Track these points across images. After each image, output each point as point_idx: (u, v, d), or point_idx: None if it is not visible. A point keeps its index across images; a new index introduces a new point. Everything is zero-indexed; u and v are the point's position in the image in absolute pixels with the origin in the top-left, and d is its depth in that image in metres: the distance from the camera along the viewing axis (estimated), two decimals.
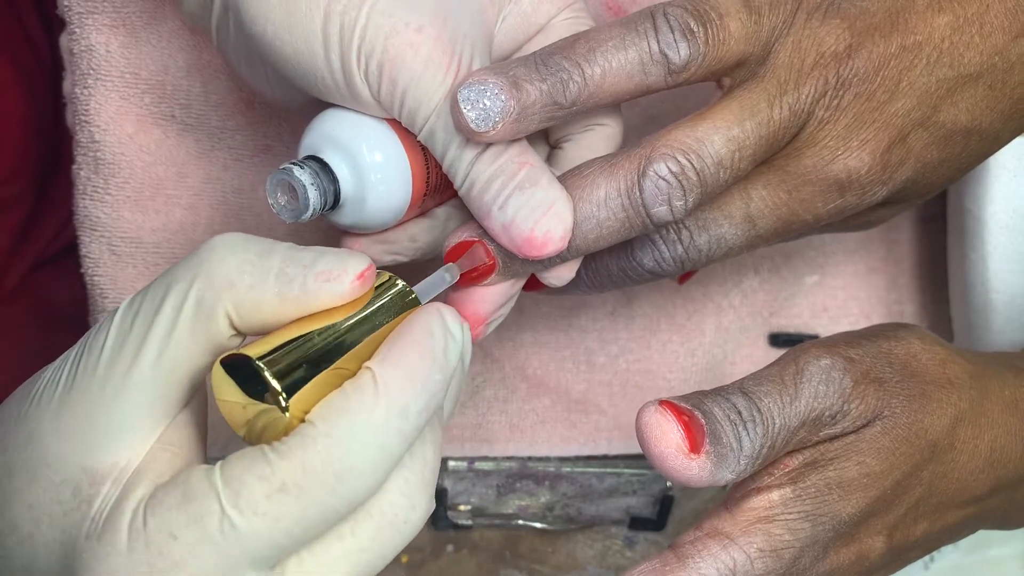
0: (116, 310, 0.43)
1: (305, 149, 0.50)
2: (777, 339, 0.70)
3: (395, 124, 0.50)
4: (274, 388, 0.41)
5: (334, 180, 0.48)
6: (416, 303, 0.45)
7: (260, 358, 0.41)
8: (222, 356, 0.42)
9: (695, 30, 0.48)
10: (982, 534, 0.58)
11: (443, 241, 0.53)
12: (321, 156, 0.49)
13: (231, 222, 0.64)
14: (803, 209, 0.51)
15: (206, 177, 0.64)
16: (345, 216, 0.50)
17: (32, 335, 0.79)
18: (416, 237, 0.53)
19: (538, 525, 0.70)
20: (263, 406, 0.41)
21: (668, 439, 0.47)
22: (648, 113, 0.65)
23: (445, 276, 0.49)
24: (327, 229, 0.64)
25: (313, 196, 0.48)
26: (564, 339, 0.69)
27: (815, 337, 0.70)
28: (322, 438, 0.40)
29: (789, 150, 0.51)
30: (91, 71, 0.62)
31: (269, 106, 0.63)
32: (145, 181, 0.63)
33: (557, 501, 0.70)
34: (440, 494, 0.68)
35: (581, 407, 0.69)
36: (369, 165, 0.49)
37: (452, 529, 0.70)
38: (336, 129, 0.49)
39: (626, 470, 0.69)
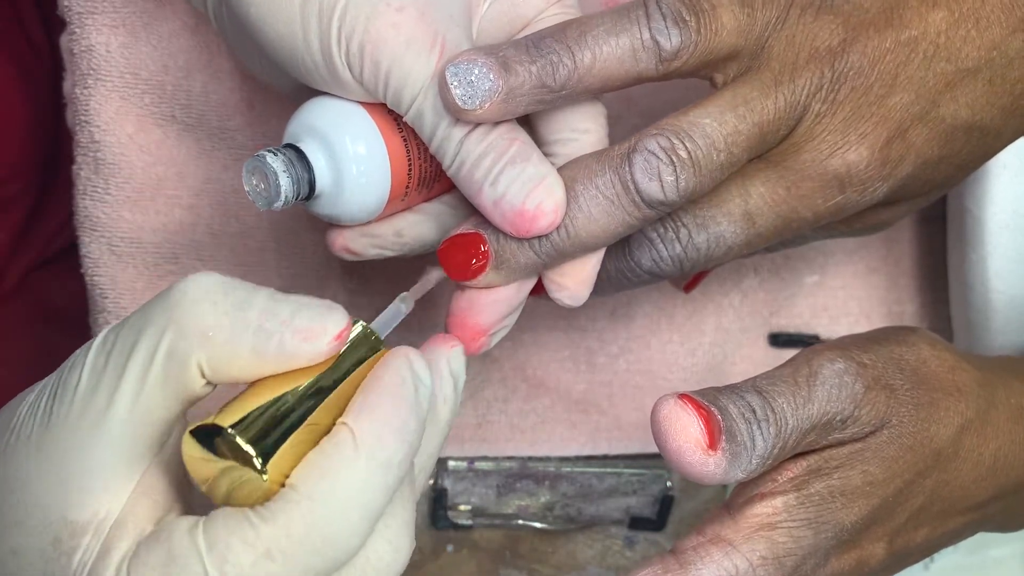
0: (90, 345, 0.42)
1: (286, 138, 0.50)
2: (777, 339, 0.70)
3: (376, 115, 0.49)
4: (249, 455, 0.40)
5: (309, 169, 0.48)
6: (379, 345, 0.45)
7: (235, 425, 0.41)
8: (191, 426, 0.41)
9: (687, 18, 0.48)
10: (982, 534, 0.58)
11: (430, 237, 0.53)
12: (299, 145, 0.49)
13: (231, 222, 0.64)
14: (803, 206, 0.51)
15: (206, 177, 0.64)
16: (323, 207, 0.50)
17: (31, 335, 0.79)
18: (402, 232, 0.53)
19: (538, 525, 0.70)
20: (228, 463, 0.41)
21: (688, 433, 0.46)
22: (648, 112, 0.65)
23: (400, 307, 0.48)
24: (323, 224, 0.64)
25: (285, 184, 0.47)
26: (564, 339, 0.69)
27: (815, 337, 0.70)
28: (305, 501, 0.40)
29: (787, 146, 0.51)
30: (91, 71, 0.62)
31: (269, 106, 0.63)
32: (145, 181, 0.63)
33: (557, 501, 0.70)
34: (440, 494, 0.68)
35: (581, 407, 0.69)
36: (346, 156, 0.48)
37: (452, 529, 0.70)
38: (316, 118, 0.49)
39: (626, 470, 0.69)
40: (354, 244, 0.52)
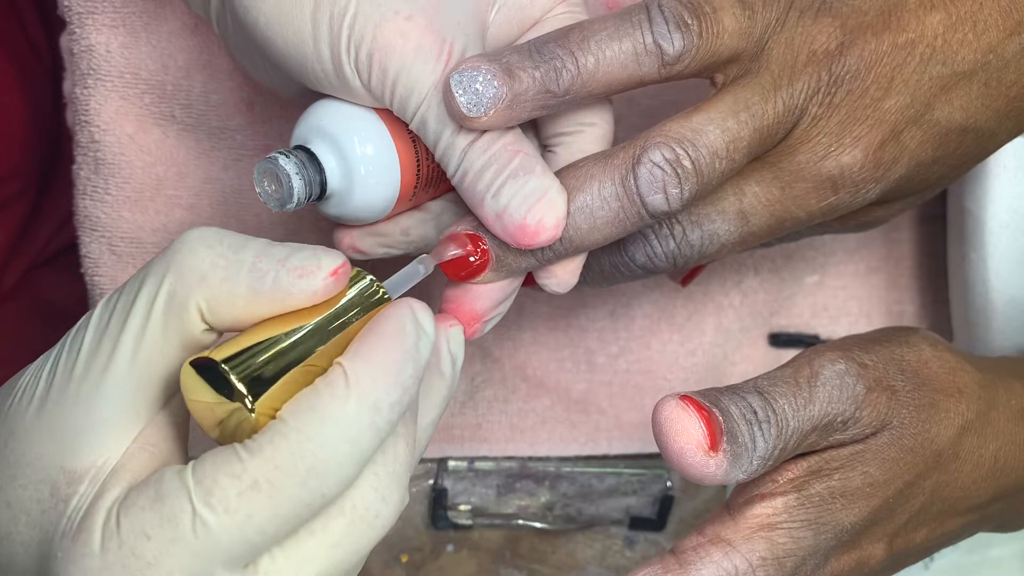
0: (94, 309, 0.43)
1: (295, 139, 0.50)
2: (777, 339, 0.70)
3: (386, 116, 0.49)
4: (239, 391, 0.41)
5: (320, 171, 0.48)
6: (387, 300, 0.45)
7: (226, 361, 0.41)
8: (190, 358, 0.41)
9: (689, 22, 0.48)
10: (983, 533, 0.58)
11: (435, 235, 0.53)
12: (309, 146, 0.49)
13: (231, 222, 0.64)
14: (796, 206, 0.51)
15: (206, 177, 0.64)
16: (333, 207, 0.50)
17: (31, 334, 0.79)
18: (408, 231, 0.53)
19: (538, 525, 0.70)
20: (234, 405, 0.41)
21: (689, 435, 0.46)
22: (649, 112, 0.65)
23: (419, 268, 0.48)
24: (325, 224, 0.64)
25: (298, 185, 0.48)
26: (564, 339, 0.69)
27: (815, 337, 0.70)
28: (293, 434, 0.40)
29: (783, 147, 0.51)
30: (91, 71, 0.62)
31: (269, 106, 0.63)
32: (145, 181, 0.63)
33: (557, 501, 0.70)
34: (440, 494, 0.68)
35: (581, 407, 0.69)
36: (357, 157, 0.49)
37: (452, 529, 0.70)
38: (325, 120, 0.49)
39: (626, 470, 0.69)
40: (361, 243, 0.52)
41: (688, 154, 0.48)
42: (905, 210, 0.56)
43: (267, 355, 0.42)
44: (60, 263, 0.80)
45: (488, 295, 0.51)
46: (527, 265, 0.50)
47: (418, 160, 0.50)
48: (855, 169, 0.50)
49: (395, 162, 0.49)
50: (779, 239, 0.58)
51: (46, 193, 0.78)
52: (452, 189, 0.53)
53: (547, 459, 0.69)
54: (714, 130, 0.48)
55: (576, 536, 0.71)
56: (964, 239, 0.65)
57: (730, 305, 0.70)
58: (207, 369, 0.41)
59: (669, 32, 0.48)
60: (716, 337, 0.69)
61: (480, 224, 0.49)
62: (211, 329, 0.43)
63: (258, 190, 0.48)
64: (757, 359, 0.70)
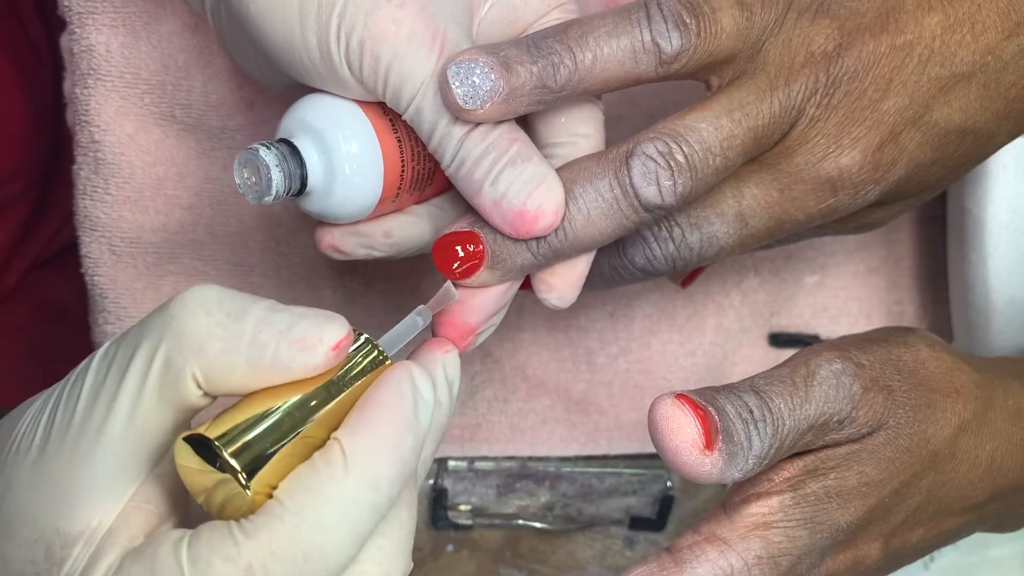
0: (93, 357, 0.42)
1: (280, 132, 0.50)
2: (777, 339, 0.70)
3: (372, 115, 0.49)
4: (234, 468, 0.40)
5: (302, 165, 0.48)
6: (383, 359, 0.44)
7: (221, 437, 0.40)
8: (184, 434, 0.41)
9: (688, 21, 0.48)
10: (982, 534, 0.58)
11: (420, 240, 0.52)
12: (293, 140, 0.49)
13: (231, 222, 0.65)
14: (795, 208, 0.51)
15: (206, 177, 0.64)
16: (314, 204, 0.50)
17: (32, 334, 0.79)
18: (391, 233, 0.52)
19: (538, 525, 0.70)
20: (223, 475, 0.40)
21: (684, 433, 0.46)
22: (650, 113, 0.65)
23: (417, 320, 0.48)
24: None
25: (277, 178, 0.47)
26: (564, 339, 0.69)
27: (815, 337, 0.70)
28: (290, 517, 0.39)
29: (781, 148, 0.51)
30: (91, 71, 0.62)
31: (269, 106, 0.63)
32: (145, 181, 0.63)
33: (557, 501, 0.70)
34: (440, 494, 0.68)
35: (581, 407, 0.69)
36: (340, 154, 0.48)
37: (452, 529, 0.70)
38: (311, 115, 0.49)
39: (626, 470, 0.69)
40: (342, 243, 0.52)
41: (681, 148, 0.48)
42: (905, 211, 0.56)
43: (262, 430, 0.41)
44: (61, 263, 0.80)
45: (482, 308, 0.50)
46: (524, 261, 0.50)
47: (403, 160, 0.50)
48: (854, 171, 0.50)
49: (379, 161, 0.49)
50: (778, 241, 0.58)
51: (47, 193, 0.78)
52: (437, 193, 0.53)
53: (547, 459, 0.69)
54: (707, 127, 0.48)
55: (576, 536, 0.71)
56: (964, 239, 0.65)
57: (730, 305, 0.70)
58: (201, 445, 0.40)
59: (667, 31, 0.48)
60: (716, 337, 0.69)
61: (477, 221, 0.49)
62: (207, 395, 0.42)
63: (237, 180, 0.48)
64: (757, 359, 0.70)
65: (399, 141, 0.50)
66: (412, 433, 0.42)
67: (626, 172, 0.48)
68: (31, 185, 0.76)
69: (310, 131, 0.49)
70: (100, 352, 0.42)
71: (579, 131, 0.51)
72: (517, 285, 0.51)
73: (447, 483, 0.68)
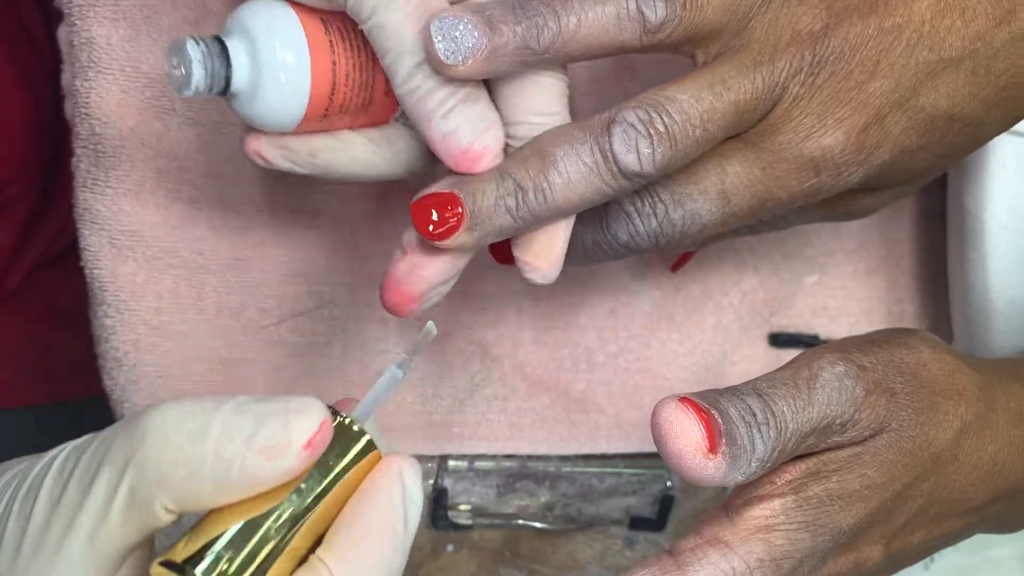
0: (47, 470, 0.41)
1: (223, 32, 0.50)
2: (777, 339, 0.70)
3: (311, 30, 0.49)
4: None
5: (227, 66, 0.48)
6: (361, 437, 0.43)
7: (192, 560, 0.39)
8: (159, 559, 0.40)
9: None
10: (982, 535, 0.58)
11: (344, 168, 0.52)
12: (226, 40, 0.49)
13: (231, 216, 0.65)
14: (778, 187, 0.51)
15: (207, 171, 0.64)
16: (240, 106, 0.50)
17: (34, 335, 0.79)
18: (316, 152, 0.52)
19: (538, 525, 0.70)
20: None
21: (688, 437, 0.46)
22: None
23: (398, 374, 0.46)
24: (322, 214, 0.63)
25: (198, 73, 0.48)
26: (563, 338, 0.69)
27: (815, 337, 0.70)
28: None
29: (764, 126, 0.51)
30: (92, 64, 0.62)
31: None
32: (146, 174, 0.63)
33: (557, 501, 0.70)
34: (440, 494, 0.68)
35: (581, 406, 0.69)
36: (268, 60, 0.48)
37: (452, 529, 0.70)
38: (250, 18, 0.49)
39: (626, 470, 0.69)
40: (268, 152, 0.52)
41: (661, 118, 0.48)
42: (895, 200, 0.56)
43: (238, 546, 0.40)
44: (63, 264, 0.80)
45: (430, 278, 0.51)
46: (502, 223, 0.49)
47: (335, 81, 0.50)
48: (837, 151, 0.50)
49: (307, 75, 0.49)
50: (766, 224, 0.58)
51: (49, 194, 0.78)
52: (372, 123, 0.52)
53: (547, 458, 0.69)
54: (688, 99, 0.48)
55: (576, 536, 0.71)
56: (964, 239, 0.65)
57: (730, 305, 0.70)
58: (177, 568, 0.40)
59: (654, 0, 0.48)
60: (716, 336, 0.69)
61: (456, 183, 0.49)
62: (175, 513, 0.41)
63: (164, 68, 0.48)
64: (757, 359, 0.70)
65: (334, 63, 0.50)
66: (402, 548, 0.41)
67: (607, 138, 0.48)
68: (33, 186, 0.76)
69: (245, 33, 0.49)
70: (55, 467, 0.41)
71: (547, 109, 0.51)
72: (465, 261, 0.51)
73: (447, 483, 0.68)
